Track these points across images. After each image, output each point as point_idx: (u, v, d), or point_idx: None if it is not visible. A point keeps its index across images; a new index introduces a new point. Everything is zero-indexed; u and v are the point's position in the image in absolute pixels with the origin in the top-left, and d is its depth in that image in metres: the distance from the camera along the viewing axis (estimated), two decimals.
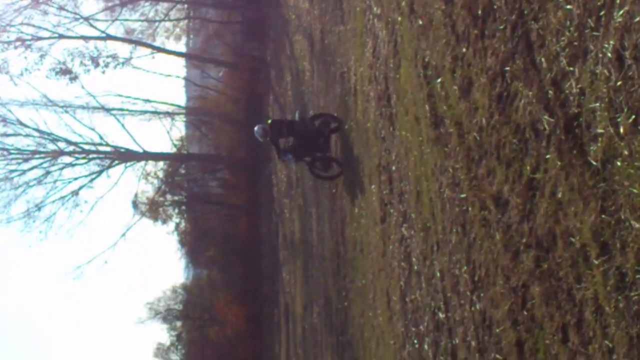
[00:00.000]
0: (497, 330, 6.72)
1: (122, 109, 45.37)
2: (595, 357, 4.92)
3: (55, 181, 43.10)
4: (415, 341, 9.70)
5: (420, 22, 9.62)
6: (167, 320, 64.88)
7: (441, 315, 8.60)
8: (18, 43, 38.28)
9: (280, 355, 33.16)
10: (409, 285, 10.21)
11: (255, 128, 18.33)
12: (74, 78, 39.67)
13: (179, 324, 65.73)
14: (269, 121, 18.74)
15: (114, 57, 40.29)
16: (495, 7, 7.00)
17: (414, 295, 9.90)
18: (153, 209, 47.87)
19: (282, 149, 18.33)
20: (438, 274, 8.78)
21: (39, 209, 42.54)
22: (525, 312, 6.10)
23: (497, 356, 6.69)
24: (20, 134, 42.66)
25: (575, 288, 5.26)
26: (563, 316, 5.39)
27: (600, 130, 5.03)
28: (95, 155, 44.31)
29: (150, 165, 46.97)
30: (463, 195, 7.85)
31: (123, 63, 40.85)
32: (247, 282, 49.26)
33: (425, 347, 9.21)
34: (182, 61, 50.40)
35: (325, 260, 19.91)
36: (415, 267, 9.89)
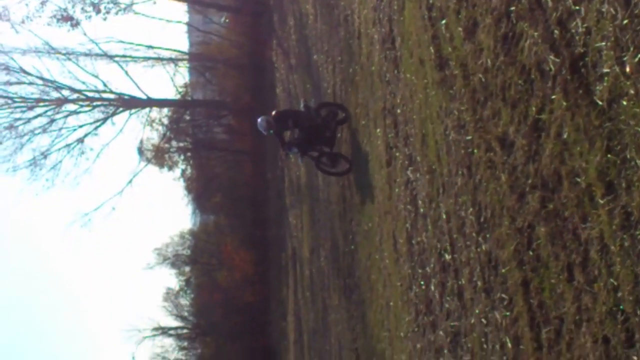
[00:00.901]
0: (503, 271, 6.79)
1: (125, 56, 45.16)
2: (600, 295, 4.97)
3: (60, 129, 43.15)
4: (422, 282, 9.79)
5: None
6: (175, 265, 65.45)
7: (447, 257, 8.67)
8: None
9: (288, 299, 33.51)
10: (415, 227, 10.27)
11: (259, 120, 17.68)
12: (76, 25, 39.42)
13: (187, 269, 66.30)
14: (273, 112, 18.01)
15: (115, 3, 39.95)
16: None
17: (420, 238, 9.97)
18: (158, 156, 47.96)
19: (287, 142, 17.65)
20: (444, 216, 8.83)
21: (45, 157, 42.67)
22: (530, 252, 6.15)
23: (503, 296, 6.76)
24: (23, 82, 42.59)
25: (580, 227, 5.30)
26: (568, 255, 5.44)
27: (606, 70, 5.02)
28: (99, 103, 44.27)
29: (155, 112, 46.96)
30: (468, 137, 7.85)
31: (124, 9, 40.53)
32: (254, 226, 49.55)
33: (432, 288, 9.30)
34: (184, 6, 49.89)
35: (331, 204, 20.00)
36: (421, 210, 9.94)
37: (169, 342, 63.10)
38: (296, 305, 29.92)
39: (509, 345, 6.52)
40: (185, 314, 65.32)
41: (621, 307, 4.74)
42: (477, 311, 7.49)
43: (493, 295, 7.04)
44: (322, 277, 21.44)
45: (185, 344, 64.67)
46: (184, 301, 66.31)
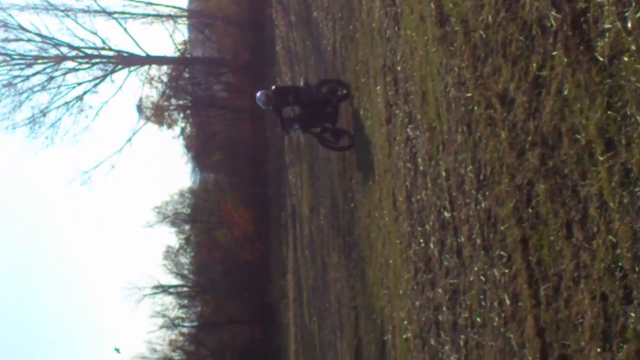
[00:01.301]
0: (502, 228, 6.79)
1: (123, 13, 44.80)
2: (599, 252, 4.98)
3: (59, 87, 42.99)
4: (421, 240, 9.81)
5: None
6: (175, 223, 65.53)
7: (447, 214, 8.67)
8: None
9: (288, 257, 33.65)
10: (415, 185, 10.27)
11: (258, 94, 17.12)
12: None
13: (187, 227, 66.41)
14: (273, 87, 17.49)
15: None
16: None
17: (420, 195, 9.96)
18: (158, 114, 47.81)
19: (287, 118, 17.16)
20: (444, 174, 8.82)
21: (44, 114, 42.56)
22: (530, 210, 6.15)
23: (502, 253, 6.77)
24: (22, 39, 42.32)
25: (580, 184, 5.28)
26: (567, 212, 5.44)
27: (607, 26, 4.97)
28: (98, 60, 44.03)
29: (154, 70, 46.71)
30: (469, 94, 7.81)
31: None
32: (254, 185, 49.60)
33: (431, 245, 9.33)
34: None
35: (331, 162, 19.99)
36: (421, 167, 9.93)
37: (169, 300, 63.41)
38: (296, 264, 30.06)
39: (508, 302, 6.55)
40: (185, 272, 65.60)
41: (619, 264, 4.74)
42: (475, 268, 7.51)
43: (492, 253, 7.06)
44: (321, 235, 21.50)
45: (185, 302, 65.00)
46: (184, 259, 66.55)
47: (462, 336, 7.87)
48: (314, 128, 17.28)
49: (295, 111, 17.13)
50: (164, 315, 61.83)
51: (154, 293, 60.74)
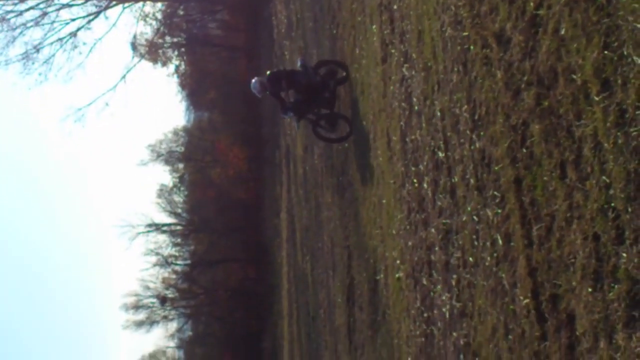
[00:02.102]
0: (496, 168, 6.79)
1: None
2: (592, 193, 4.98)
3: (52, 22, 42.54)
4: (415, 180, 9.81)
5: None
6: (169, 162, 65.53)
7: (441, 155, 8.66)
8: None
9: (282, 196, 33.72)
10: (409, 125, 10.23)
11: (252, 81, 16.42)
12: None
13: (181, 166, 66.42)
14: (268, 72, 16.50)
15: None
16: None
17: (414, 135, 9.94)
18: (152, 51, 47.45)
19: (282, 105, 16.45)
20: (438, 114, 8.78)
21: (38, 50, 42.18)
22: (524, 150, 6.14)
23: (495, 193, 6.78)
24: None
25: (574, 125, 5.26)
26: (562, 153, 5.42)
27: None
28: None
29: (149, 6, 46.22)
30: (465, 34, 7.74)
31: None
32: (248, 124, 49.48)
33: (425, 185, 9.33)
34: None
35: None
36: (416, 107, 9.89)
37: (162, 238, 63.71)
38: (289, 203, 30.14)
39: (500, 242, 6.57)
40: (179, 210, 65.76)
41: (612, 204, 4.75)
42: (469, 209, 7.53)
43: (485, 193, 7.06)
44: (315, 175, 21.51)
45: (179, 240, 65.32)
46: (178, 198, 66.69)
47: (454, 276, 7.92)
48: (310, 114, 16.60)
49: (289, 97, 16.40)
50: (157, 254, 62.20)
51: (148, 231, 61.01)
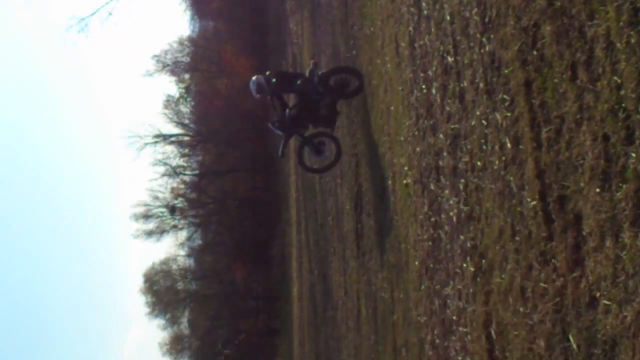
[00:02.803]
0: (506, 71, 6.75)
1: None
2: (603, 94, 4.96)
3: None
4: (423, 86, 9.77)
5: None
6: (175, 72, 65.26)
7: (450, 59, 8.60)
8: None
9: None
10: (418, 30, 10.13)
11: (253, 78, 15.02)
12: None
13: (187, 76, 66.19)
14: (268, 72, 15.19)
15: None
16: None
17: (423, 41, 9.85)
18: None
19: (272, 120, 15.07)
20: (448, 17, 8.69)
21: None
22: (534, 52, 6.09)
23: (505, 97, 6.76)
24: None
25: (587, 25, 5.21)
26: (573, 54, 5.39)
27: None
28: None
29: None
30: None
31: None
32: (254, 33, 49.05)
33: (433, 91, 9.30)
34: None
35: (332, 8, 19.67)
36: (425, 12, 9.77)
37: (170, 149, 63.97)
38: None
39: (509, 145, 6.59)
40: (186, 121, 65.80)
41: (623, 104, 4.74)
42: (477, 113, 7.52)
43: (495, 97, 7.04)
44: None
45: (187, 150, 65.59)
46: (184, 109, 66.66)
47: (462, 180, 7.96)
48: (301, 130, 15.25)
49: (285, 106, 15.16)
50: (165, 164, 62.59)
51: (155, 142, 61.23)
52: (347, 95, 14.94)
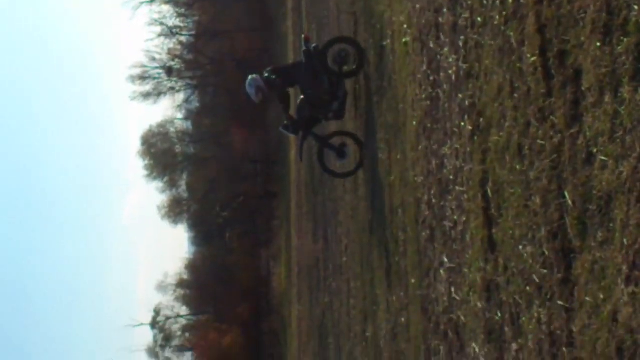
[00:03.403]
0: None
1: None
2: None
3: None
4: None
5: None
6: None
7: None
8: None
9: None
10: None
11: (249, 79, 13.85)
12: None
13: None
14: (266, 74, 13.85)
15: None
16: None
17: None
18: None
19: (284, 124, 14.07)
20: None
21: None
22: None
23: None
24: None
25: None
26: None
27: None
28: None
29: None
30: None
31: None
32: None
33: None
34: None
35: None
36: None
37: (166, 8, 62.97)
38: None
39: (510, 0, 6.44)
40: None
41: None
42: None
43: None
44: None
45: (183, 10, 64.56)
46: None
47: (462, 37, 7.83)
48: (315, 128, 14.29)
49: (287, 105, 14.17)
50: (161, 24, 61.71)
51: (151, 0, 60.14)
52: (348, 74, 14.19)
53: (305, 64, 13.75)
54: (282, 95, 14.11)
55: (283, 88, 14.01)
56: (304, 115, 14.02)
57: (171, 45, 63.93)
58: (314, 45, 14.11)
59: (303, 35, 14.72)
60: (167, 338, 72.28)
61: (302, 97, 14.15)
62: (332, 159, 15.17)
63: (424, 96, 9.40)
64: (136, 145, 77.28)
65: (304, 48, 13.93)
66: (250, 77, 13.92)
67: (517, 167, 6.08)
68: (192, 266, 73.53)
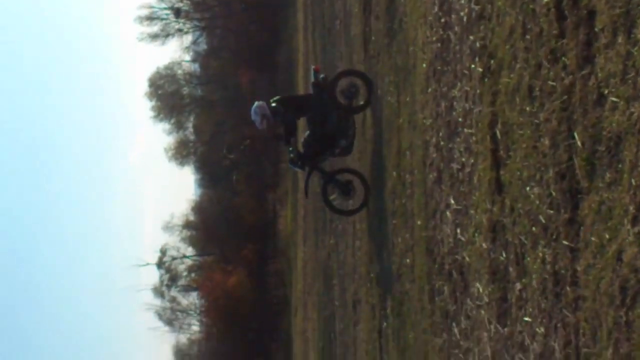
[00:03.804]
0: None
1: None
2: None
3: None
4: None
5: None
6: None
7: None
8: None
9: None
10: None
11: (254, 106, 13.59)
12: None
13: None
14: (273, 102, 13.59)
15: None
16: None
17: None
18: None
19: (290, 158, 13.84)
20: None
21: None
22: None
23: None
24: None
25: None
26: None
27: None
28: None
29: None
30: None
31: None
32: None
33: None
34: None
35: None
36: None
37: None
38: None
39: None
40: None
41: None
42: None
43: None
44: None
45: None
46: None
47: None
48: (321, 163, 13.98)
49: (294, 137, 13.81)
50: None
51: None
52: (357, 109, 13.88)
53: (314, 97, 13.63)
54: (290, 127, 13.86)
55: (292, 120, 13.82)
56: (310, 150, 13.85)
57: None
58: (322, 76, 13.87)
59: (313, 67, 14.37)
60: (173, 278, 72.91)
61: (308, 132, 14.01)
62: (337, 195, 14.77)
63: (434, 38, 9.36)
64: (143, 86, 77.07)
65: (312, 80, 13.76)
66: (256, 103, 13.76)
67: (527, 108, 6.09)
68: (199, 208, 73.79)
